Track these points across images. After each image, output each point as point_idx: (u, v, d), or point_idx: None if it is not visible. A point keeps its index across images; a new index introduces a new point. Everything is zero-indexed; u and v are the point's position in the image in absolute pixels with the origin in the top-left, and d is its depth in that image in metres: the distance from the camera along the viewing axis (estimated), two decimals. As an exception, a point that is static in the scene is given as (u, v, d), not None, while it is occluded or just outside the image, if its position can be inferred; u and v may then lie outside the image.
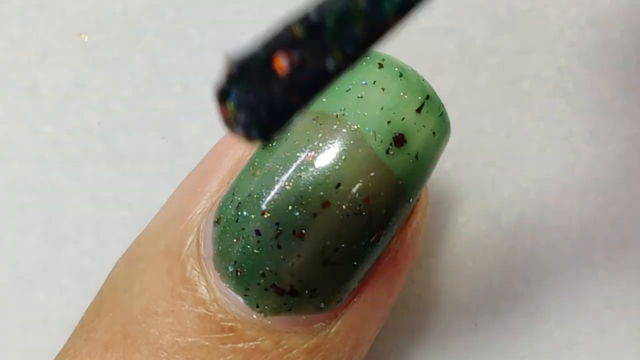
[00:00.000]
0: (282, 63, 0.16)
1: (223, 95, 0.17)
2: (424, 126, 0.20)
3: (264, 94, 0.16)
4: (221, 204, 0.20)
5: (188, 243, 0.20)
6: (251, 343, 0.19)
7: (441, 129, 0.20)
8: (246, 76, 0.17)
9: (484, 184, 0.25)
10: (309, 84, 0.16)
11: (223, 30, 0.25)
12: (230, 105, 0.17)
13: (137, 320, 0.19)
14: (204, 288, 0.19)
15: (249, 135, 0.17)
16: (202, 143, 0.25)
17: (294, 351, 0.19)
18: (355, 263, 0.19)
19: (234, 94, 0.17)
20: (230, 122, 0.17)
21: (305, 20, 0.16)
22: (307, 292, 0.19)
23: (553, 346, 0.24)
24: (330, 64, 0.16)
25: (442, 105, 0.20)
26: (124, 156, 0.25)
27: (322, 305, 0.19)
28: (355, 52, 0.16)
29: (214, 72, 0.25)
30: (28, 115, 0.25)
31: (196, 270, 0.19)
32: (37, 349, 0.24)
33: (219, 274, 0.19)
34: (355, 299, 0.20)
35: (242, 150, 0.20)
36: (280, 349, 0.19)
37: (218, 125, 0.25)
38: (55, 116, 0.25)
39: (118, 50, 0.25)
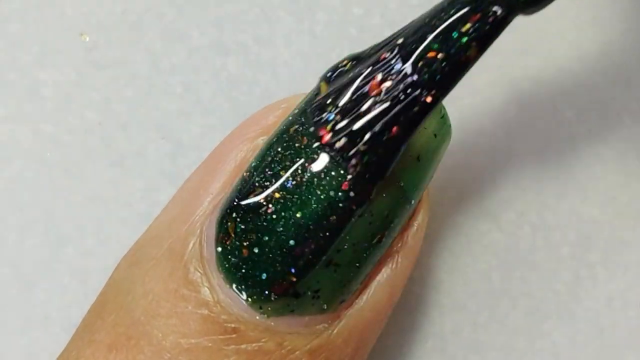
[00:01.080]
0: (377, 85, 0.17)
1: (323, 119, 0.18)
2: (425, 128, 0.20)
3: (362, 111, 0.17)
4: (224, 205, 0.20)
5: (191, 244, 0.20)
6: (254, 344, 0.19)
7: (442, 131, 0.20)
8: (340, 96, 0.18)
9: (484, 184, 0.25)
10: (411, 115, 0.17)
11: (223, 30, 0.25)
12: (329, 126, 0.18)
13: (141, 321, 0.19)
14: (206, 289, 0.19)
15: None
16: (202, 143, 0.25)
17: (297, 352, 0.19)
18: (357, 264, 0.19)
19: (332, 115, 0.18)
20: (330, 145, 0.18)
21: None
22: (309, 293, 0.19)
23: (553, 346, 0.24)
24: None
25: (444, 108, 0.20)
26: (124, 156, 0.25)
27: (325, 306, 0.19)
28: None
29: (215, 72, 0.25)
30: (28, 115, 0.25)
31: (199, 271, 0.19)
32: (38, 349, 0.24)
33: (221, 275, 0.19)
34: (357, 300, 0.20)
35: (244, 151, 0.20)
36: (282, 350, 0.19)
37: (218, 126, 0.25)
38: (55, 116, 0.25)
39: (118, 50, 0.25)
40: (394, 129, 0.17)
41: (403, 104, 0.17)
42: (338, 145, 0.18)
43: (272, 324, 0.19)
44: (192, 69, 0.25)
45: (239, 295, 0.19)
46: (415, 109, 0.17)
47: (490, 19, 0.16)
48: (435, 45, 0.17)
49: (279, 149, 0.19)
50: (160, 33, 0.25)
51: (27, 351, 0.24)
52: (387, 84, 0.17)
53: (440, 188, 0.25)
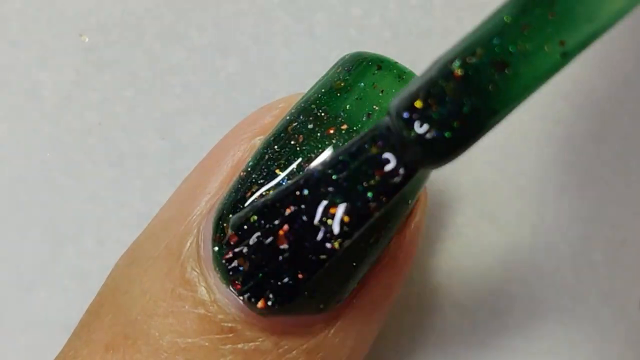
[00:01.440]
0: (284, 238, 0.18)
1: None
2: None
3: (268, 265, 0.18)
4: (221, 205, 0.20)
5: (188, 244, 0.20)
6: (251, 344, 0.19)
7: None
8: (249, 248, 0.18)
9: (484, 184, 0.25)
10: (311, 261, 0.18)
11: (223, 30, 0.25)
12: (240, 278, 0.18)
13: (138, 321, 0.19)
14: (203, 289, 0.19)
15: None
16: (202, 143, 0.25)
17: (294, 352, 0.19)
18: (354, 264, 0.19)
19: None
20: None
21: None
22: (306, 293, 0.19)
23: (553, 346, 0.24)
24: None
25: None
26: (124, 156, 0.25)
27: (322, 306, 0.19)
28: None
29: (214, 72, 0.25)
30: (28, 115, 0.25)
31: (196, 271, 0.19)
32: (37, 349, 0.24)
33: (218, 274, 0.19)
34: (354, 300, 0.20)
35: (241, 151, 0.21)
36: (279, 350, 0.19)
37: (218, 126, 0.25)
38: (55, 116, 0.25)
39: (118, 50, 0.25)
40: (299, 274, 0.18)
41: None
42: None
43: (269, 323, 0.19)
44: (191, 69, 0.25)
45: (235, 294, 0.19)
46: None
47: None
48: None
49: (276, 147, 0.19)
50: (159, 33, 0.25)
51: (27, 351, 0.24)
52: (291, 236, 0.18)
53: (439, 188, 0.25)
